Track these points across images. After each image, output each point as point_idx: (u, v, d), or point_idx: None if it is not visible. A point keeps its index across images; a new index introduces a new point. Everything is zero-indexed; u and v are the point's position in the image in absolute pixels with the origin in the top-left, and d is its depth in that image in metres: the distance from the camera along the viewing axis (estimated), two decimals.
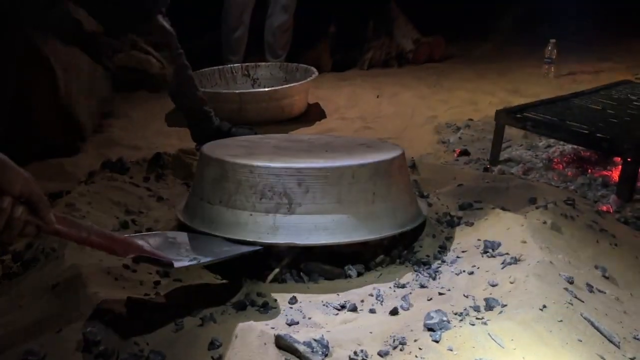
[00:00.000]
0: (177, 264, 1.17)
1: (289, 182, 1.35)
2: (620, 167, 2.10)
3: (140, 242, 1.14)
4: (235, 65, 3.53)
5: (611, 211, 1.93)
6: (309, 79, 3.17)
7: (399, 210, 1.46)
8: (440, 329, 1.08)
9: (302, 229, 1.35)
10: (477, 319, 1.12)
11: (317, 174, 1.36)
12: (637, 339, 1.18)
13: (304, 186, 1.35)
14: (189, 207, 1.53)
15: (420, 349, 1.04)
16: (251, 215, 1.36)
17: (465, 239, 1.55)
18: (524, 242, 1.41)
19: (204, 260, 1.25)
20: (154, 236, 1.28)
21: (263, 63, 3.62)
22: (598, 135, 2.09)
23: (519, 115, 2.33)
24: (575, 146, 2.41)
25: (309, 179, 1.36)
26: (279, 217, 1.35)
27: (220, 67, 3.47)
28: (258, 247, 1.34)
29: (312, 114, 3.28)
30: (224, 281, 1.40)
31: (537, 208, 1.66)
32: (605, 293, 1.32)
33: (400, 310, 1.21)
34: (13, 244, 1.44)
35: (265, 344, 1.03)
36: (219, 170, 1.42)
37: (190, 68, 2.32)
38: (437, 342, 1.05)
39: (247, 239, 1.35)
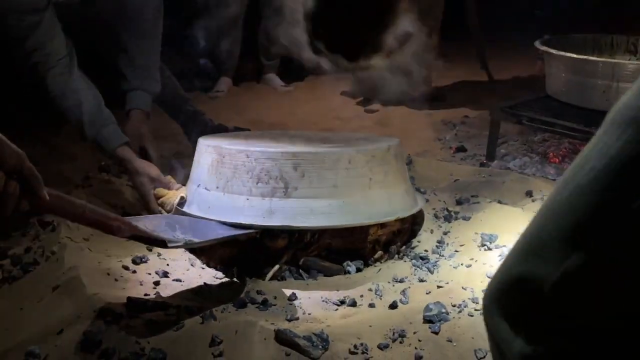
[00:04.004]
0: (170, 244, 1.17)
1: (285, 166, 1.36)
2: None
3: (136, 223, 1.14)
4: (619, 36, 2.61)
5: None
6: None
7: (395, 198, 1.47)
8: (439, 320, 1.09)
9: (298, 213, 1.35)
10: (475, 310, 1.13)
11: (313, 158, 1.38)
12: None
13: (300, 170, 1.36)
14: (186, 195, 1.54)
15: (419, 340, 1.05)
16: (247, 199, 1.37)
17: (462, 233, 1.56)
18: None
19: (199, 241, 1.26)
20: (150, 218, 1.28)
21: None
22: (593, 128, 2.10)
23: (514, 111, 2.34)
24: (571, 140, 2.42)
25: (305, 163, 1.37)
26: (275, 201, 1.36)
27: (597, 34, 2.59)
28: (254, 231, 1.35)
29: (308, 114, 3.29)
30: (224, 280, 1.40)
31: (533, 201, 1.67)
32: None
33: (399, 304, 1.22)
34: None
35: (265, 339, 1.04)
36: (216, 157, 1.43)
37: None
38: (436, 333, 1.06)
39: (243, 223, 1.36)
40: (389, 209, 1.45)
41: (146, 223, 1.20)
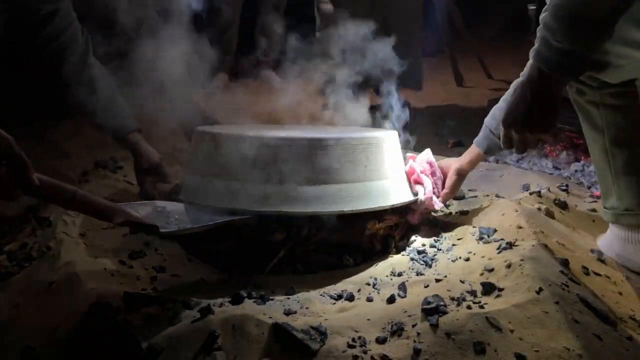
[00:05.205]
0: (162, 230, 1.16)
1: (280, 152, 1.36)
2: None
3: (129, 210, 1.13)
4: None
5: None
6: None
7: (391, 186, 1.47)
8: (438, 313, 1.08)
9: (293, 198, 1.34)
10: (474, 303, 1.12)
11: (308, 144, 1.37)
12: (633, 319, 1.19)
13: (295, 156, 1.35)
14: (182, 183, 1.54)
15: (418, 333, 1.04)
16: (242, 185, 1.36)
17: (460, 226, 1.55)
18: (519, 227, 1.42)
19: (192, 227, 1.25)
20: (142, 205, 1.27)
21: None
22: None
23: None
24: (568, 134, 2.42)
25: (301, 149, 1.36)
26: (270, 187, 1.35)
27: None
28: (248, 216, 1.34)
29: (306, 110, 3.28)
30: (221, 275, 1.40)
31: (530, 194, 1.67)
32: (600, 275, 1.33)
33: (397, 297, 1.21)
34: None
35: (263, 333, 1.03)
36: (212, 143, 1.43)
37: None
38: (435, 327, 1.05)
39: (239, 208, 1.35)
40: (384, 197, 1.44)
41: (139, 209, 1.19)
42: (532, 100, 1.18)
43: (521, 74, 1.41)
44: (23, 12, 1.59)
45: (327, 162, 1.37)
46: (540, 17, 1.21)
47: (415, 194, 1.53)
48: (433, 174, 1.56)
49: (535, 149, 1.57)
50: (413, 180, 1.54)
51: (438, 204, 1.53)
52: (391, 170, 1.49)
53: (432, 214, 1.67)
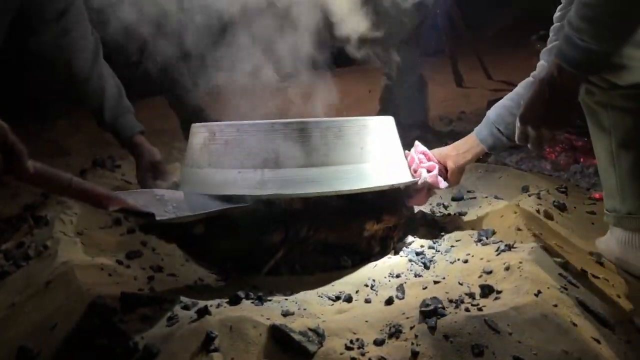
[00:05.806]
0: (159, 217, 1.15)
1: (276, 137, 1.36)
2: None
3: (126, 197, 1.12)
4: None
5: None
6: None
7: (387, 168, 1.46)
8: (436, 315, 1.07)
9: (290, 182, 1.34)
10: (472, 305, 1.12)
11: (303, 127, 1.37)
12: (632, 323, 1.18)
13: (290, 140, 1.35)
14: (180, 177, 1.55)
15: (416, 336, 1.04)
16: (239, 172, 1.36)
17: (459, 228, 1.55)
18: (518, 229, 1.42)
19: (190, 215, 1.24)
20: (141, 193, 1.27)
21: None
22: None
23: None
24: (568, 135, 2.42)
25: (296, 133, 1.36)
26: (267, 172, 1.35)
27: None
28: (246, 204, 1.34)
29: (305, 109, 3.27)
30: (219, 276, 1.39)
31: (529, 196, 1.66)
32: (599, 278, 1.33)
33: (395, 299, 1.21)
34: None
35: (260, 334, 1.03)
36: (207, 135, 1.43)
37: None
38: (433, 329, 1.05)
39: (235, 194, 1.35)
40: (380, 179, 1.43)
41: (137, 198, 1.19)
42: (550, 97, 1.22)
43: (532, 74, 1.42)
44: (37, 5, 1.60)
45: (323, 144, 1.37)
46: (556, 16, 1.22)
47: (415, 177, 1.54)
48: (429, 160, 1.56)
49: (551, 144, 1.62)
50: (414, 170, 1.55)
51: (443, 184, 1.53)
52: (388, 152, 1.48)
53: (431, 212, 1.67)
